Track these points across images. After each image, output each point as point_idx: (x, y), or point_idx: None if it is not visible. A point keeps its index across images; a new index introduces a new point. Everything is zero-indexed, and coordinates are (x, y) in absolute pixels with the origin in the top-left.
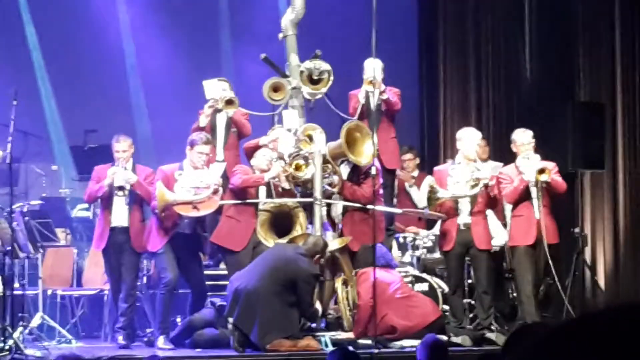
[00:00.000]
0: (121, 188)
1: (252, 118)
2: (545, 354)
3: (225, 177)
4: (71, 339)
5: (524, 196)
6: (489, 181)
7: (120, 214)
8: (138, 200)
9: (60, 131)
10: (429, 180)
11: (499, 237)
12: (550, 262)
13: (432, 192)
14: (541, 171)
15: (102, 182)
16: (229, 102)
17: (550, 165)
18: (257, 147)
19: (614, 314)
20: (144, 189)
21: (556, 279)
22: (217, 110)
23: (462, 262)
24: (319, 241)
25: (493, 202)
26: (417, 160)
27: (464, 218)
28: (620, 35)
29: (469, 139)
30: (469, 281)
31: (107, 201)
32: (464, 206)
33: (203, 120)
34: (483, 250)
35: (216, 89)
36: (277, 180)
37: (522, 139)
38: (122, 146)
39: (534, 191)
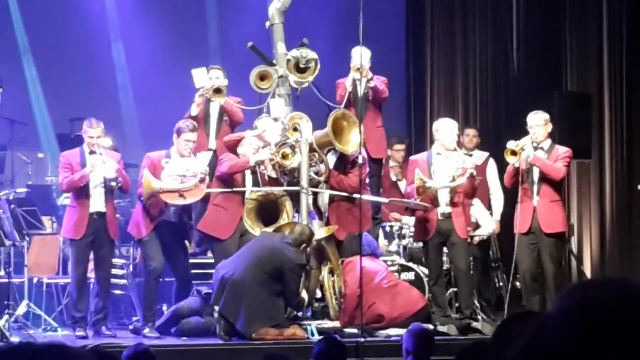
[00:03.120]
0: (113, 180)
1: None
2: None
3: (213, 165)
4: (57, 327)
5: (523, 181)
6: (474, 171)
7: (97, 200)
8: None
9: (46, 119)
10: (417, 173)
11: (486, 226)
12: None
13: (421, 183)
14: (512, 153)
15: (83, 171)
16: (217, 91)
17: (562, 150)
18: (238, 141)
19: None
20: (124, 175)
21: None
22: (210, 100)
23: (440, 252)
24: (305, 230)
25: (472, 192)
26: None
27: (442, 208)
28: (608, 25)
29: (447, 129)
30: (451, 271)
31: (83, 188)
32: (443, 196)
33: (194, 110)
34: (462, 239)
35: (205, 77)
36: (263, 168)
37: (530, 121)
38: (96, 132)
39: (533, 175)
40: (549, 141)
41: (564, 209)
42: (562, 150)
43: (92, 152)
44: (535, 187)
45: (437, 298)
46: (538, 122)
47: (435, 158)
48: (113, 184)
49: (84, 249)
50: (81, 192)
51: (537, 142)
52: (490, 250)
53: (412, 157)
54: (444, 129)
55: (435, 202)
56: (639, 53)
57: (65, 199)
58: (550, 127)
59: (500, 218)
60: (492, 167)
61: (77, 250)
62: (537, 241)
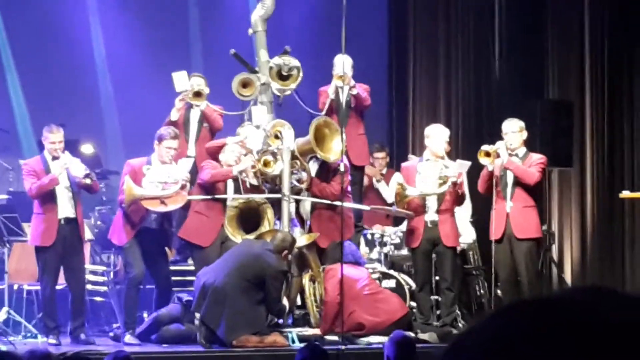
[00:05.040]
0: (87, 176)
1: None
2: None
3: (194, 172)
4: (37, 333)
5: (497, 186)
6: (457, 179)
7: (65, 206)
8: (79, 190)
9: (27, 125)
10: (397, 178)
11: (466, 234)
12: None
13: (400, 189)
14: (486, 154)
15: (52, 174)
16: (197, 95)
17: (537, 157)
18: (220, 147)
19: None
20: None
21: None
22: (191, 105)
23: (429, 259)
24: (286, 237)
25: (460, 200)
26: (388, 159)
27: (431, 215)
28: (590, 33)
29: (438, 136)
30: (436, 278)
31: (49, 195)
32: (431, 203)
33: (174, 114)
34: (449, 247)
35: (185, 80)
36: (245, 176)
37: (504, 128)
38: (57, 137)
39: (506, 180)
40: (523, 149)
41: (538, 215)
42: (537, 157)
43: (54, 158)
44: (508, 192)
45: (421, 305)
46: (513, 128)
47: (421, 165)
48: (88, 180)
49: (52, 258)
50: (47, 198)
51: (511, 148)
52: (471, 257)
53: (403, 164)
54: (434, 135)
55: (423, 209)
56: (620, 61)
57: None
58: (525, 134)
59: (478, 225)
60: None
61: (45, 260)
62: (512, 248)
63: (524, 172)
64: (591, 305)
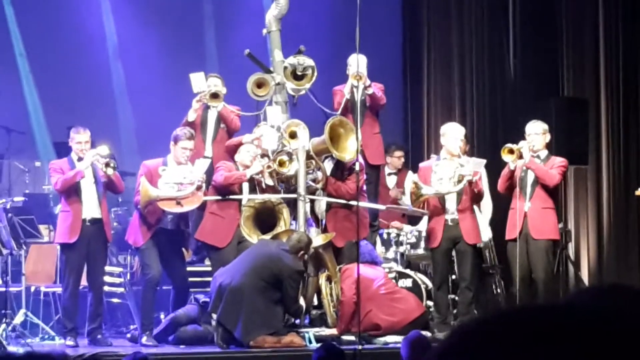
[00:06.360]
0: (107, 165)
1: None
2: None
3: (210, 172)
4: (54, 335)
5: (515, 186)
6: (472, 177)
7: (91, 205)
8: (105, 190)
9: (43, 127)
10: (412, 177)
11: (483, 233)
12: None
13: (415, 189)
14: (509, 151)
15: (77, 168)
16: (214, 96)
17: (559, 160)
18: (239, 146)
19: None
20: (117, 176)
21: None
22: (208, 106)
23: (449, 258)
24: (302, 237)
25: (477, 198)
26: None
27: (451, 214)
28: (604, 31)
29: (453, 135)
30: (453, 277)
31: (75, 192)
32: (450, 203)
33: (191, 115)
34: (470, 245)
35: (203, 82)
36: (260, 176)
37: (528, 129)
38: (83, 137)
39: (527, 180)
40: (545, 151)
41: (557, 217)
42: (558, 160)
43: (80, 159)
44: (528, 192)
45: (439, 304)
46: (537, 130)
47: (437, 164)
48: (110, 170)
49: (76, 258)
50: (73, 196)
51: (533, 150)
52: (488, 256)
53: (421, 164)
54: (449, 133)
55: (442, 209)
56: (635, 58)
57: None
58: (548, 137)
59: (494, 224)
60: (482, 174)
61: (69, 259)
62: (528, 247)
63: (545, 173)
64: (598, 309)
